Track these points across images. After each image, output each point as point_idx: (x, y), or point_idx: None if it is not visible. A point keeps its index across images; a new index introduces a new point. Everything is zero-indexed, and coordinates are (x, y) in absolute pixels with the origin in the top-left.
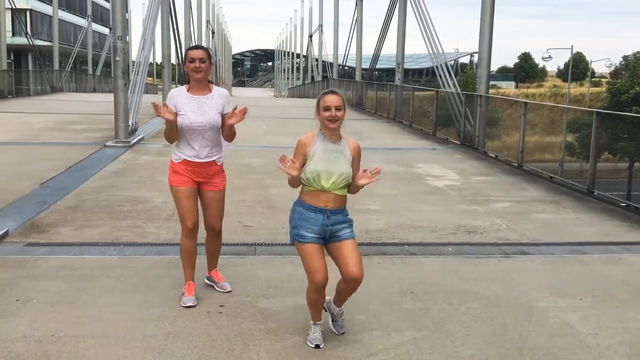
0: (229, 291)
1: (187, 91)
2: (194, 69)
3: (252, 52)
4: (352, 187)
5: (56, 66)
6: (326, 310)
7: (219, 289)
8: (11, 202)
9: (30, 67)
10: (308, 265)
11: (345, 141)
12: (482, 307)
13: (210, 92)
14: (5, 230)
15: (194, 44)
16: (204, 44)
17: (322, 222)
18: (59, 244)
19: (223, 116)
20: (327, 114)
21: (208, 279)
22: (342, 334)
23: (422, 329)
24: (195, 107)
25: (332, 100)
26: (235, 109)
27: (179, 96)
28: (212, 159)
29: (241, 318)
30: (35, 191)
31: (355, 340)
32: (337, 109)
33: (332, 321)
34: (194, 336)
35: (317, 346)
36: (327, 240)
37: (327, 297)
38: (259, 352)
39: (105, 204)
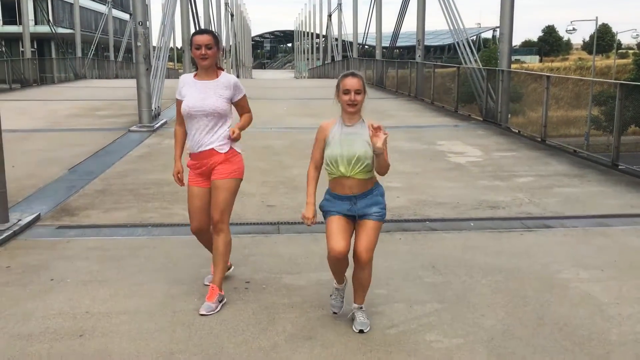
0: (202, 314)
1: (194, 77)
2: (201, 57)
3: (271, 33)
4: (377, 164)
5: (79, 53)
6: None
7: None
8: (41, 187)
9: (54, 55)
10: (327, 237)
11: (366, 122)
12: (504, 280)
13: (217, 77)
14: (37, 214)
15: (199, 28)
16: (222, 26)
17: (348, 208)
18: (89, 226)
19: (235, 104)
20: (346, 97)
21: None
22: (360, 331)
23: (443, 301)
24: (196, 92)
25: (351, 83)
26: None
27: (185, 83)
28: (211, 147)
29: (267, 293)
30: (64, 176)
31: (377, 312)
32: (357, 92)
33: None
34: (221, 310)
35: (335, 313)
36: (358, 217)
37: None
38: (284, 325)
39: (132, 187)
